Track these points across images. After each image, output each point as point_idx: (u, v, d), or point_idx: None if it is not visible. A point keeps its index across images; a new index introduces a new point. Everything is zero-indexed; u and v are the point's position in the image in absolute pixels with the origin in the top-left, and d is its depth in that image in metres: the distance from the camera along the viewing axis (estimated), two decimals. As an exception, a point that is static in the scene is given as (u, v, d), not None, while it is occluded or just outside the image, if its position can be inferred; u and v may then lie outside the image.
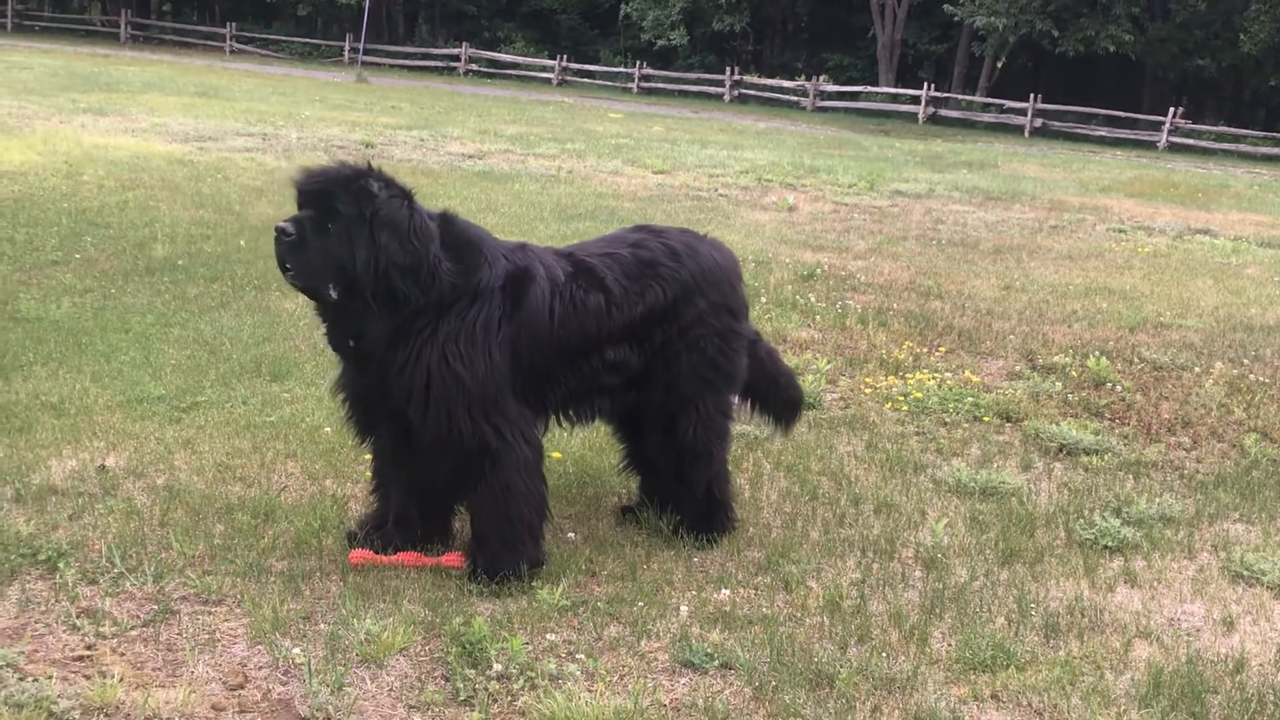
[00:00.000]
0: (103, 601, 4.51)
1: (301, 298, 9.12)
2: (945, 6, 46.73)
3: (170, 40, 59.03)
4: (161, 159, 16.60)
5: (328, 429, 6.44)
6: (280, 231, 4.48)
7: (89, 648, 4.24)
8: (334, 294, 4.53)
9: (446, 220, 4.78)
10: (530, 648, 4.36)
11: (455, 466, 4.74)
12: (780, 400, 5.78)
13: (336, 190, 4.50)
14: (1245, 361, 9.36)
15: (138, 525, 5.12)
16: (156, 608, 4.50)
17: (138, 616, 4.45)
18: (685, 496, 5.41)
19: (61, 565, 4.70)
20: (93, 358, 7.36)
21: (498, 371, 4.69)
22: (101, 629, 4.33)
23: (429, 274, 4.59)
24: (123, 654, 4.21)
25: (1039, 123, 43.47)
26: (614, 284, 5.03)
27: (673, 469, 5.36)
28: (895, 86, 48.97)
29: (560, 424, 5.23)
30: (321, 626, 4.46)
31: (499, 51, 55.17)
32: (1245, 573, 5.50)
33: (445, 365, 4.59)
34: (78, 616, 4.40)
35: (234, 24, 58.50)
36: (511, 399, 4.75)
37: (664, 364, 5.17)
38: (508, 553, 4.80)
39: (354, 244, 4.48)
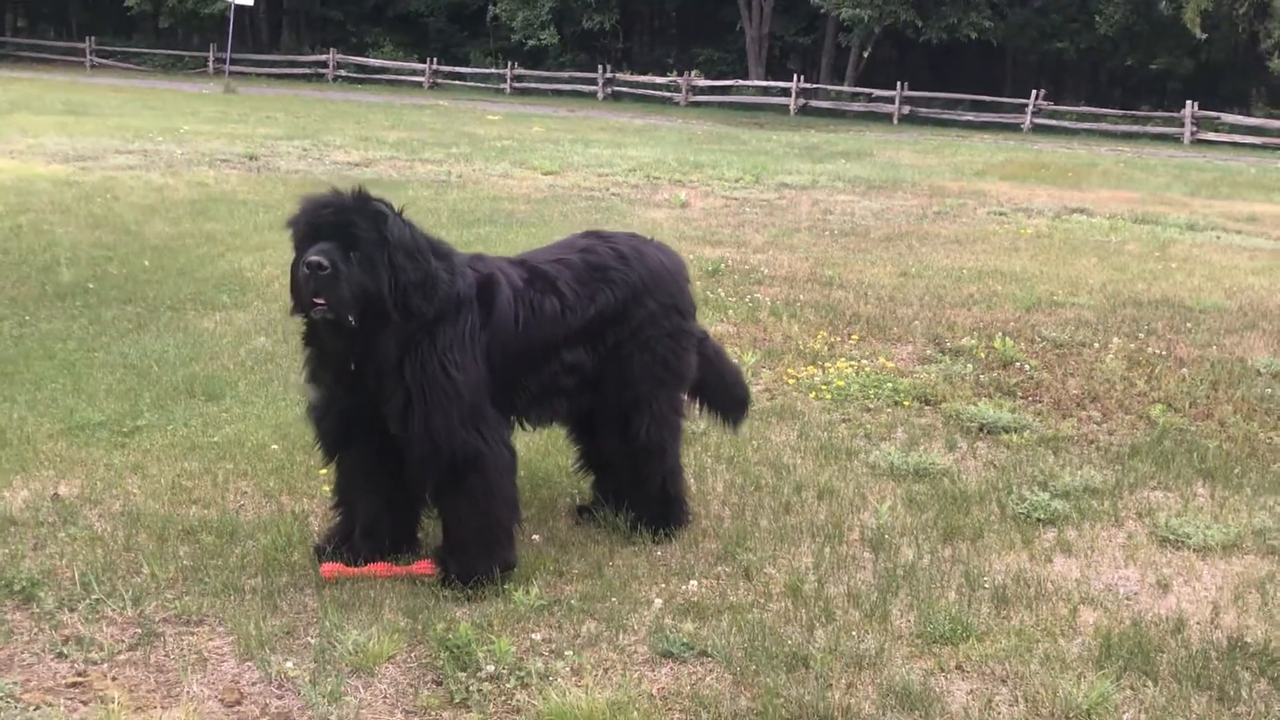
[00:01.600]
0: (86, 628, 4.55)
1: (219, 315, 9.19)
2: (811, -1, 47.48)
3: (27, 57, 57.56)
4: (45, 181, 16.32)
5: (274, 446, 6.49)
6: (316, 266, 4.50)
7: (80, 674, 4.28)
8: (353, 320, 4.62)
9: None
10: (515, 648, 4.49)
11: (440, 474, 4.85)
12: (727, 397, 5.98)
13: (354, 218, 4.61)
14: (1140, 335, 9.78)
15: (104, 551, 5.15)
16: (140, 631, 4.56)
17: (123, 640, 4.50)
18: (640, 493, 5.57)
19: (40, 594, 4.73)
20: (23, 387, 7.31)
21: (482, 378, 4.83)
22: (90, 655, 4.38)
23: (432, 286, 4.71)
24: (115, 678, 4.26)
25: (907, 110, 44.46)
26: (566, 288, 5.19)
27: (628, 467, 5.52)
28: (766, 79, 49.59)
29: (523, 427, 5.37)
30: (307, 640, 4.55)
31: (367, 56, 54.81)
32: (1171, 537, 5.81)
33: (445, 375, 4.72)
34: (64, 644, 4.44)
35: (93, 38, 57.32)
36: (488, 404, 4.89)
37: (617, 365, 5.34)
38: (483, 557, 4.93)
39: (376, 268, 4.59)
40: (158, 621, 4.64)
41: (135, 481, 5.99)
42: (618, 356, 5.33)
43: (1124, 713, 4.29)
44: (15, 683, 4.18)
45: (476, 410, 4.83)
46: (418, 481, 4.96)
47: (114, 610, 4.69)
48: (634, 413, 5.39)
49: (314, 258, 4.53)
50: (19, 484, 5.88)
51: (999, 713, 4.26)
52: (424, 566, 5.09)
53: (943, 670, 4.53)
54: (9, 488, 5.82)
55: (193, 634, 4.58)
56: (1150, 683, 4.47)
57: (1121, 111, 44.53)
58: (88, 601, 4.73)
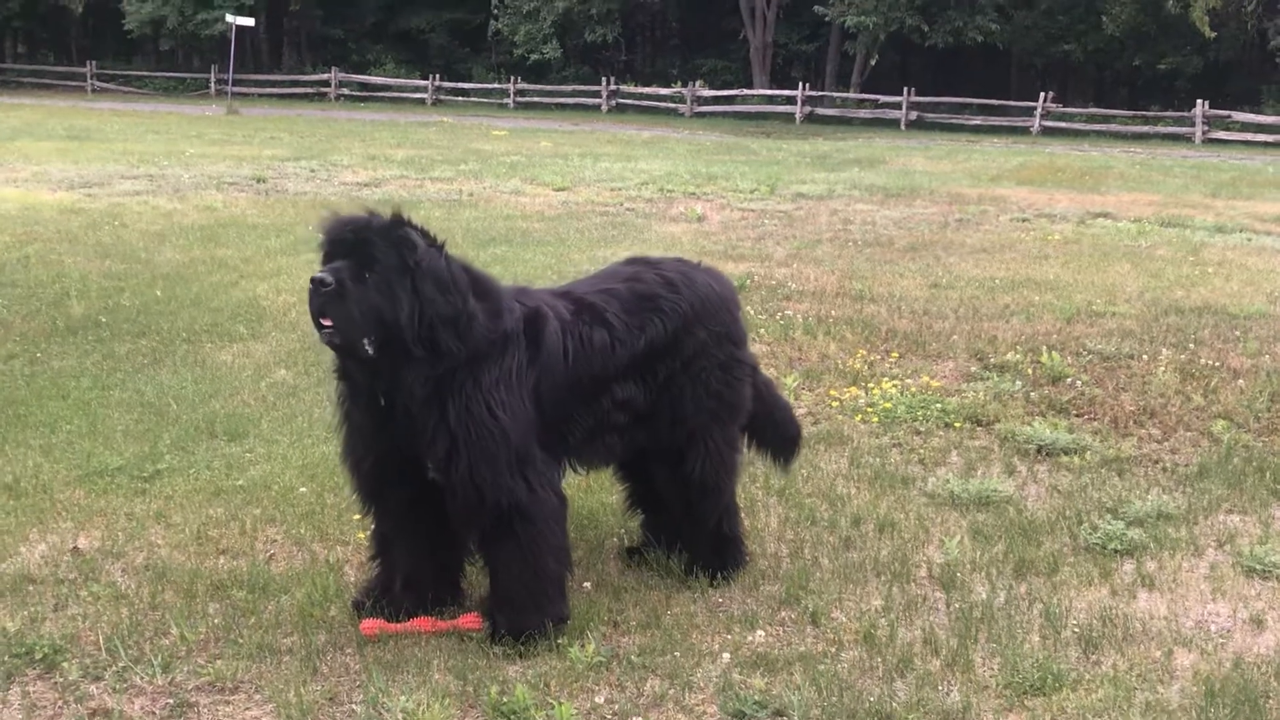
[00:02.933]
0: (114, 699, 4.22)
1: (237, 347, 8.87)
2: (815, 7, 47.15)
3: (29, 83, 57.39)
4: (51, 209, 16.03)
5: (303, 488, 6.17)
6: (318, 283, 4.22)
7: (109, 753, 3.97)
8: (370, 349, 4.30)
9: (464, 269, 4.58)
10: (576, 711, 4.16)
11: (485, 523, 4.53)
12: (777, 435, 5.62)
13: (374, 239, 4.29)
14: (1190, 346, 9.43)
15: (129, 611, 4.83)
16: (172, 701, 4.23)
17: (153, 713, 4.17)
18: (695, 534, 5.25)
19: (63, 662, 4.41)
20: (36, 430, 6.99)
21: (529, 419, 4.51)
22: (119, 731, 4.06)
23: (466, 325, 4.38)
24: (147, 757, 3.94)
25: (914, 115, 44.14)
26: (615, 319, 4.86)
27: (681, 506, 5.20)
28: (770, 88, 49.32)
29: (575, 469, 5.04)
30: (352, 707, 4.22)
31: (369, 74, 54.62)
32: (1257, 567, 5.47)
33: (491, 418, 4.40)
34: (91, 718, 4.11)
35: (94, 62, 57.17)
36: (536, 447, 4.57)
37: (669, 399, 5.01)
38: (534, 610, 4.60)
39: (394, 294, 4.26)
40: (190, 690, 4.31)
41: (158, 531, 5.66)
42: (670, 390, 5.00)
43: (1239, 769, 3.96)
44: (40, 765, 3.86)
45: (524, 454, 4.51)
46: (460, 530, 4.64)
47: (143, 678, 4.36)
48: (688, 449, 5.06)
49: (319, 274, 4.24)
50: (36, 537, 5.56)
51: (1106, 774, 3.93)
52: (470, 620, 4.77)
53: (1038, 726, 4.19)
54: (25, 542, 5.50)
55: (228, 703, 4.25)
56: (1264, 735, 4.14)
57: (1131, 112, 44.21)
58: (114, 669, 4.41)
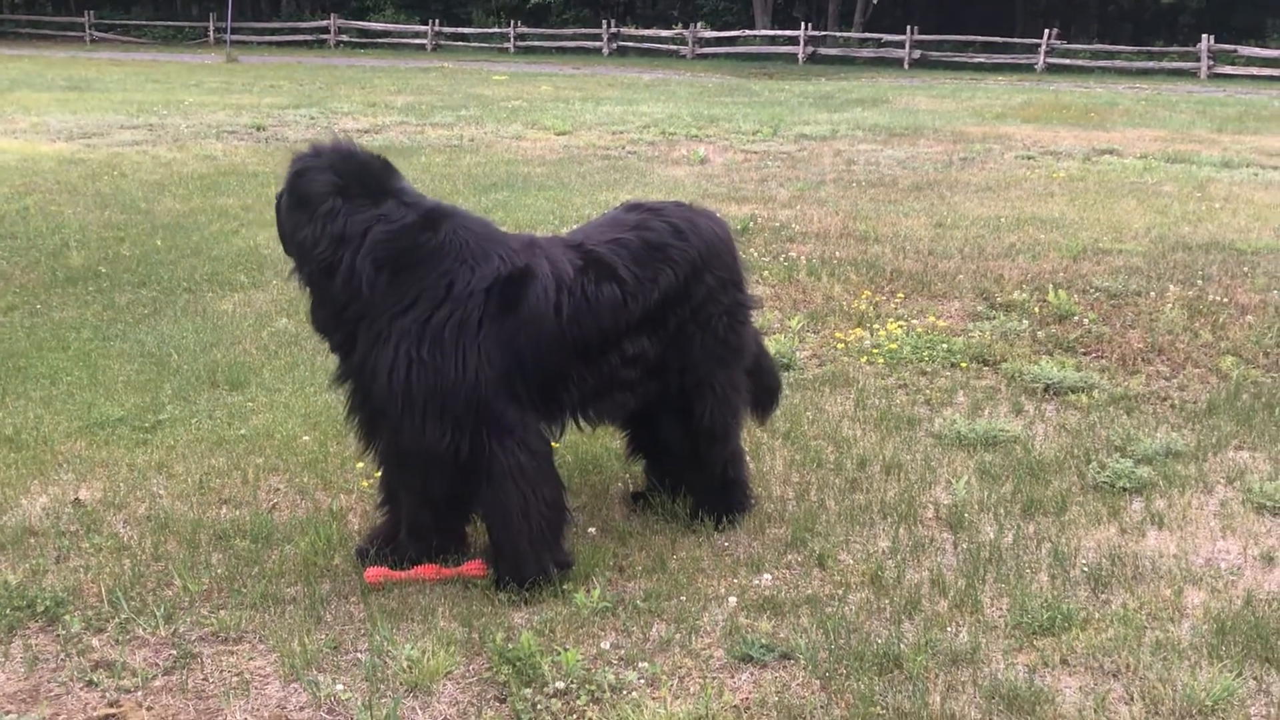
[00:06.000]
0: (117, 651, 4.19)
1: (238, 296, 8.86)
2: (816, -56, 46.75)
3: (26, 34, 57.09)
4: (50, 160, 15.94)
5: (306, 438, 6.13)
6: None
7: (113, 705, 3.93)
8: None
9: (430, 218, 4.48)
10: (582, 658, 4.13)
11: (445, 476, 4.51)
12: (759, 385, 5.50)
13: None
14: (1198, 283, 9.36)
15: (132, 562, 4.80)
16: (175, 652, 4.20)
17: (157, 664, 4.14)
18: (701, 479, 5.20)
19: (65, 615, 4.38)
20: (37, 382, 6.95)
21: (479, 377, 4.39)
22: (122, 682, 4.02)
23: (317, 258, 4.61)
24: (151, 709, 3.90)
25: (917, 54, 43.82)
26: (627, 273, 4.74)
27: (688, 452, 5.14)
28: (772, 28, 48.94)
29: (580, 426, 4.96)
30: (356, 655, 4.19)
31: (368, 20, 54.24)
32: (1268, 504, 5.42)
33: (404, 372, 4.35)
34: (93, 670, 4.08)
35: (91, 12, 56.79)
36: (507, 404, 4.46)
37: (678, 348, 4.92)
38: (529, 559, 4.55)
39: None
40: (193, 640, 4.28)
41: (160, 482, 5.63)
42: (679, 339, 4.90)
43: (1250, 706, 3.92)
44: (42, 717, 3.83)
45: (472, 410, 4.39)
46: (418, 481, 4.65)
47: (146, 630, 4.33)
48: (696, 396, 4.99)
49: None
50: (37, 489, 5.52)
51: (1116, 713, 3.88)
52: (474, 567, 4.73)
53: (1047, 665, 4.15)
54: (27, 494, 5.47)
55: (232, 653, 4.22)
56: (1275, 672, 4.10)
57: (1135, 48, 43.86)
58: (117, 621, 4.38)
